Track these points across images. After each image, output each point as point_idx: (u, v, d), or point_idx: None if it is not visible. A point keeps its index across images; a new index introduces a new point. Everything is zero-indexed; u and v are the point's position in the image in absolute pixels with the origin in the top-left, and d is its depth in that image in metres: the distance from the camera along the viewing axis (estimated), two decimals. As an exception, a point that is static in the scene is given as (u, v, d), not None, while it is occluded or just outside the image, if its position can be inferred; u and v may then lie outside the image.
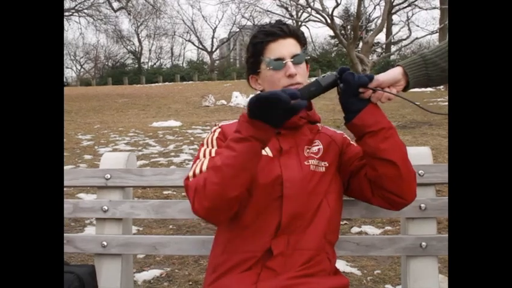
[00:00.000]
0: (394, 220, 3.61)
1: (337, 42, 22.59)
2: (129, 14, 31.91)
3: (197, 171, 1.20)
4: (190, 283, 2.73)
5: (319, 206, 1.27)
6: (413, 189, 1.27)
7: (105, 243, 1.61)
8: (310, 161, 1.30)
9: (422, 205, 1.51)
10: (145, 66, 44.49)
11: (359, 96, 1.24)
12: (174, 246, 1.61)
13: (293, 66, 1.27)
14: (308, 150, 1.32)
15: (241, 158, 1.13)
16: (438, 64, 1.26)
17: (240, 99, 14.51)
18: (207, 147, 1.30)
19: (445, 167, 1.52)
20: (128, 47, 44.94)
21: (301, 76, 1.29)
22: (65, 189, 1.57)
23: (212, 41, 46.04)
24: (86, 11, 24.10)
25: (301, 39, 1.33)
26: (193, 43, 46.95)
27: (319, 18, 12.08)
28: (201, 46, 46.24)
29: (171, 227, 3.70)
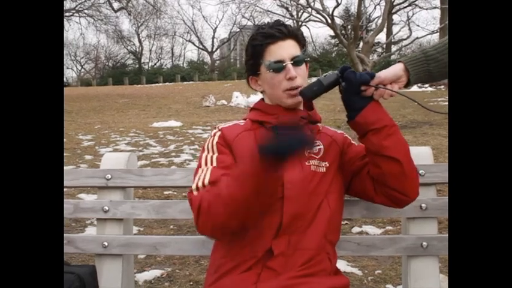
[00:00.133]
0: (394, 220, 3.61)
1: (338, 42, 22.60)
2: (129, 14, 31.95)
3: (200, 184, 1.22)
4: (191, 283, 2.73)
5: (320, 206, 1.27)
6: (416, 187, 1.28)
7: (105, 243, 1.61)
8: (311, 161, 1.30)
9: (423, 205, 1.51)
10: (146, 67, 44.52)
11: (361, 94, 1.24)
12: (174, 247, 1.61)
13: (293, 68, 1.27)
14: (309, 151, 1.32)
15: (248, 195, 1.12)
16: (440, 60, 1.25)
17: (241, 99, 14.51)
18: (208, 153, 1.30)
19: (446, 167, 1.52)
20: (129, 47, 45.04)
21: (302, 77, 1.29)
22: (65, 189, 1.58)
23: (212, 41, 46.14)
24: (86, 11, 24.14)
25: (300, 40, 1.32)
26: (193, 43, 47.04)
27: (319, 18, 12.10)
28: (201, 46, 46.31)
29: (171, 227, 3.70)
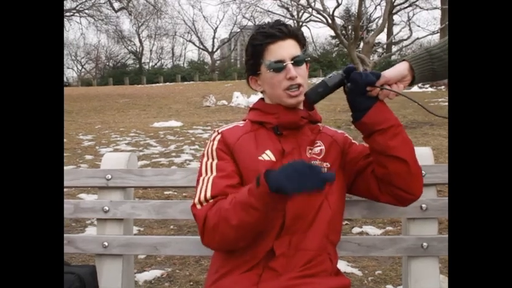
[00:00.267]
0: (395, 220, 3.61)
1: (338, 42, 22.59)
2: (130, 14, 31.93)
3: (202, 198, 1.23)
4: (191, 283, 2.73)
5: (320, 207, 1.27)
6: (421, 185, 1.29)
7: (106, 243, 1.61)
8: (312, 162, 1.29)
9: (423, 205, 1.51)
10: (146, 67, 44.53)
11: (366, 95, 1.24)
12: (175, 247, 1.61)
13: (293, 68, 1.27)
14: (310, 151, 1.32)
15: (256, 222, 1.14)
16: (444, 58, 1.26)
17: (241, 100, 14.50)
18: (208, 159, 1.30)
19: (446, 167, 1.52)
20: (129, 47, 45.05)
21: (302, 77, 1.29)
22: (65, 189, 1.57)
23: (213, 41, 46.15)
24: (86, 11, 24.11)
25: (300, 40, 1.32)
26: (194, 43, 47.06)
27: (320, 19, 12.10)
28: (202, 46, 46.33)
29: (172, 227, 3.70)
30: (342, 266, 2.84)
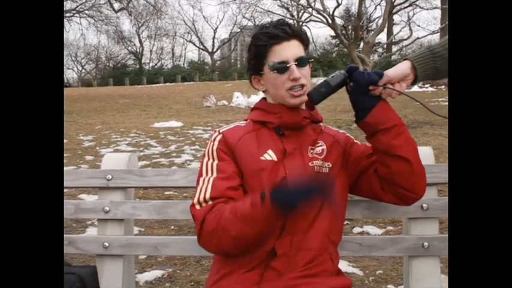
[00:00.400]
0: (395, 220, 3.61)
1: (338, 42, 22.57)
2: (130, 14, 31.92)
3: (201, 198, 1.23)
4: (192, 283, 2.73)
5: (321, 207, 1.26)
6: (424, 184, 1.29)
7: (106, 244, 1.61)
8: (314, 162, 1.29)
9: (424, 205, 1.50)
10: (147, 67, 44.53)
11: (369, 94, 1.24)
12: (175, 247, 1.61)
13: (297, 69, 1.27)
14: (312, 151, 1.32)
15: (257, 233, 1.16)
16: (446, 57, 1.25)
17: (241, 100, 14.51)
18: (208, 159, 1.30)
19: (447, 167, 1.51)
20: (129, 48, 45.04)
21: (305, 78, 1.29)
22: (66, 190, 1.57)
23: (213, 41, 46.12)
24: (87, 11, 24.11)
25: (304, 40, 1.31)
26: (194, 44, 47.03)
27: (320, 19, 12.09)
28: (202, 46, 46.31)
29: (172, 227, 3.70)
30: (343, 266, 2.84)
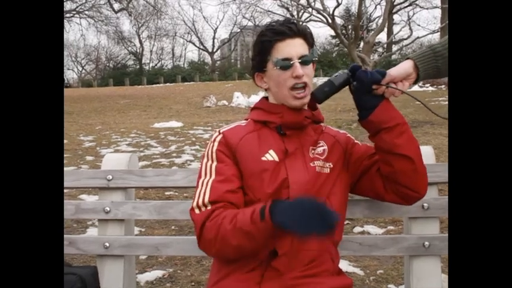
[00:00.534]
0: (396, 220, 3.61)
1: (338, 42, 22.58)
2: (130, 15, 31.87)
3: (200, 202, 1.23)
4: (193, 284, 2.73)
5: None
6: (426, 183, 1.30)
7: (107, 244, 1.61)
8: (315, 162, 1.29)
9: (425, 204, 1.50)
10: (147, 67, 44.55)
11: (372, 93, 1.24)
12: (176, 247, 1.61)
13: (300, 67, 1.26)
14: (313, 151, 1.32)
15: (257, 247, 1.15)
16: (447, 56, 1.26)
17: (242, 100, 14.51)
18: (207, 160, 1.30)
19: (447, 166, 1.51)
20: (129, 48, 45.08)
21: (308, 77, 1.29)
22: (67, 190, 1.57)
23: (213, 41, 46.13)
24: (86, 12, 24.10)
25: (309, 39, 1.31)
26: (194, 44, 47.05)
27: (320, 18, 12.09)
28: (202, 47, 46.32)
29: (173, 227, 3.70)
30: (344, 265, 2.83)
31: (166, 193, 4.53)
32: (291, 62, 1.26)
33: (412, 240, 1.52)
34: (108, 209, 1.62)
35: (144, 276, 2.82)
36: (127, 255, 1.64)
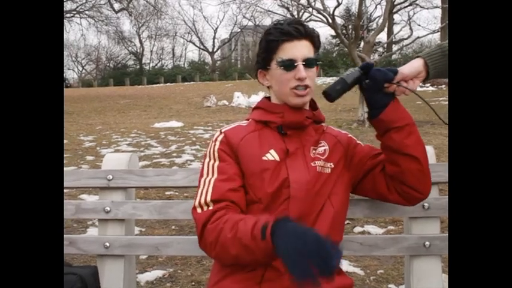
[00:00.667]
0: (396, 220, 3.61)
1: (339, 42, 22.57)
2: (130, 15, 31.90)
3: (202, 201, 1.22)
4: (193, 283, 2.73)
5: (323, 207, 1.26)
6: (430, 184, 1.30)
7: (107, 244, 1.61)
8: (316, 162, 1.29)
9: (425, 204, 1.50)
10: (147, 67, 44.58)
11: (383, 91, 1.25)
12: (176, 247, 1.61)
13: (304, 69, 1.26)
14: (314, 151, 1.31)
15: (253, 259, 1.11)
16: None
17: (242, 100, 14.52)
18: (210, 159, 1.29)
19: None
20: (130, 48, 45.08)
21: (311, 79, 1.28)
22: (67, 190, 1.57)
23: (213, 41, 46.14)
24: (87, 12, 24.11)
25: (315, 42, 1.31)
26: (194, 44, 47.07)
27: (320, 18, 12.05)
28: (202, 47, 46.32)
29: (173, 227, 3.70)
30: (344, 265, 2.84)
31: (167, 193, 4.53)
32: (295, 64, 1.26)
33: (413, 240, 1.51)
34: (109, 208, 1.62)
35: (144, 276, 2.82)
36: (127, 255, 1.64)
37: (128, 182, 1.66)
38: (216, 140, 1.32)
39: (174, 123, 10.25)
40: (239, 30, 40.66)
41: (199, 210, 1.22)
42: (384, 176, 1.30)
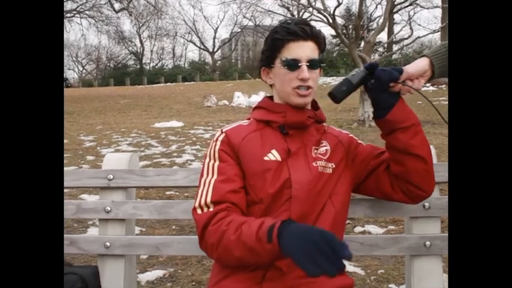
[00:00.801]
0: (397, 219, 3.61)
1: (339, 41, 22.57)
2: (130, 15, 31.88)
3: (202, 202, 1.22)
4: (194, 283, 2.73)
5: (323, 207, 1.26)
6: (434, 183, 1.31)
7: (108, 244, 1.61)
8: (318, 162, 1.29)
9: (426, 204, 1.50)
10: (147, 67, 44.60)
11: (389, 91, 1.25)
12: (177, 247, 1.61)
13: (307, 70, 1.27)
14: (316, 151, 1.31)
15: (257, 262, 1.12)
16: None
17: (242, 100, 14.52)
18: (210, 160, 1.29)
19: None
20: (130, 48, 45.10)
21: (313, 81, 1.29)
22: (67, 190, 1.57)
23: (214, 41, 46.13)
24: (87, 12, 24.10)
25: (320, 44, 1.31)
26: (194, 43, 47.06)
27: (320, 18, 12.04)
28: (202, 46, 46.32)
29: (174, 227, 3.70)
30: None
31: (167, 193, 4.53)
32: (299, 64, 1.27)
33: (413, 240, 1.51)
34: (109, 208, 1.62)
35: (144, 275, 2.83)
36: (128, 254, 1.64)
37: (129, 182, 1.66)
38: (217, 139, 1.32)
39: (175, 123, 10.26)
40: (239, 30, 40.66)
41: (199, 211, 1.22)
42: (388, 175, 1.30)
